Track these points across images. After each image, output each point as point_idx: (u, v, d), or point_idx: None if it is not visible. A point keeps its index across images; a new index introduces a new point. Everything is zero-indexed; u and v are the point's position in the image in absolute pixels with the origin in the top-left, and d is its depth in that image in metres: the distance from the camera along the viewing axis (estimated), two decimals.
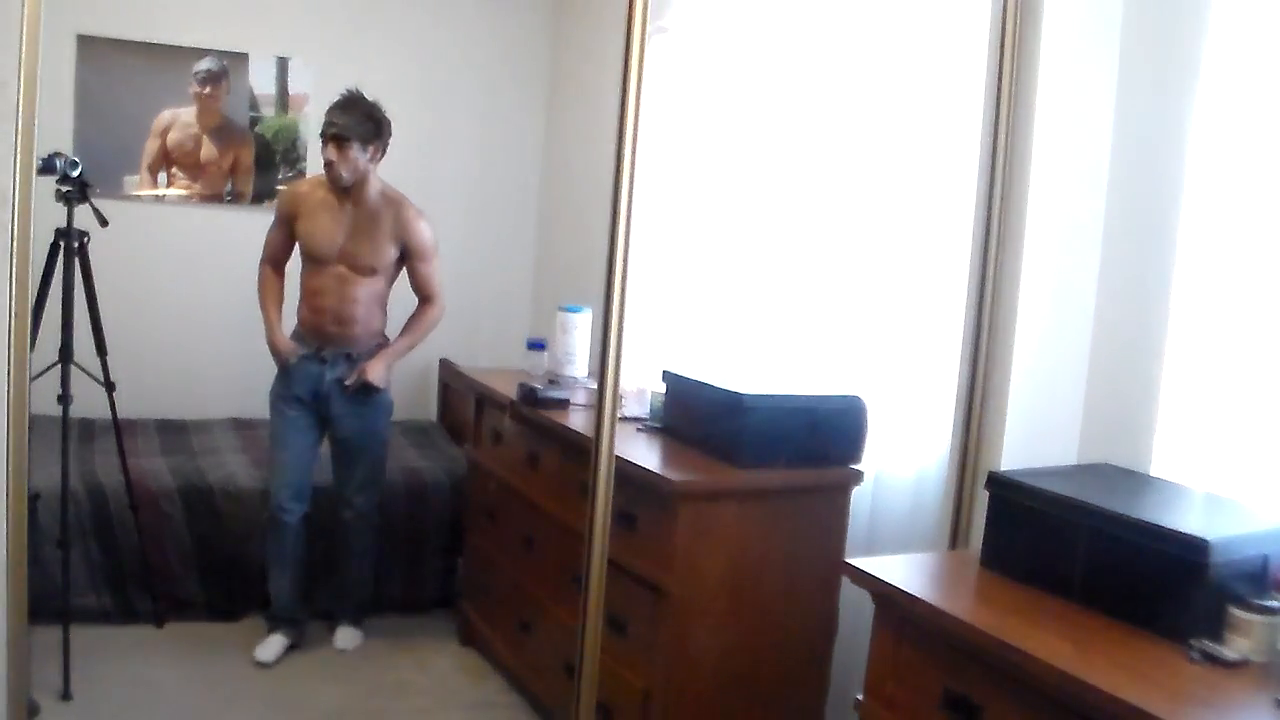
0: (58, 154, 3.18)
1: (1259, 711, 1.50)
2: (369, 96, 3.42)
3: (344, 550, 3.70)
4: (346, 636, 3.72)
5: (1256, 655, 1.65)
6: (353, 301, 3.48)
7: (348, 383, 3.51)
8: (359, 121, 3.33)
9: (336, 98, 3.42)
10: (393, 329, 3.66)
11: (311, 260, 3.51)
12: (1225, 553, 1.70)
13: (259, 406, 3.80)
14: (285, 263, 3.63)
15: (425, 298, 3.61)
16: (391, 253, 3.48)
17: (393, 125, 3.47)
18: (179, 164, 4.62)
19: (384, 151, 3.44)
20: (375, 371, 3.53)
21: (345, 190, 3.42)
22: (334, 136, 3.31)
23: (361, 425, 3.59)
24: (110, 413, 3.49)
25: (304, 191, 3.57)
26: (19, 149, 1.91)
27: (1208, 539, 1.69)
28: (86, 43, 4.38)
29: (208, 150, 4.65)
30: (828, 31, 3.14)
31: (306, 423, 3.56)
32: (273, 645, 3.53)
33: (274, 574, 3.59)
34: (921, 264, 2.80)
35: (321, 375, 3.52)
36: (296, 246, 3.58)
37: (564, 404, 3.29)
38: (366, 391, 3.54)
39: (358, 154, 3.34)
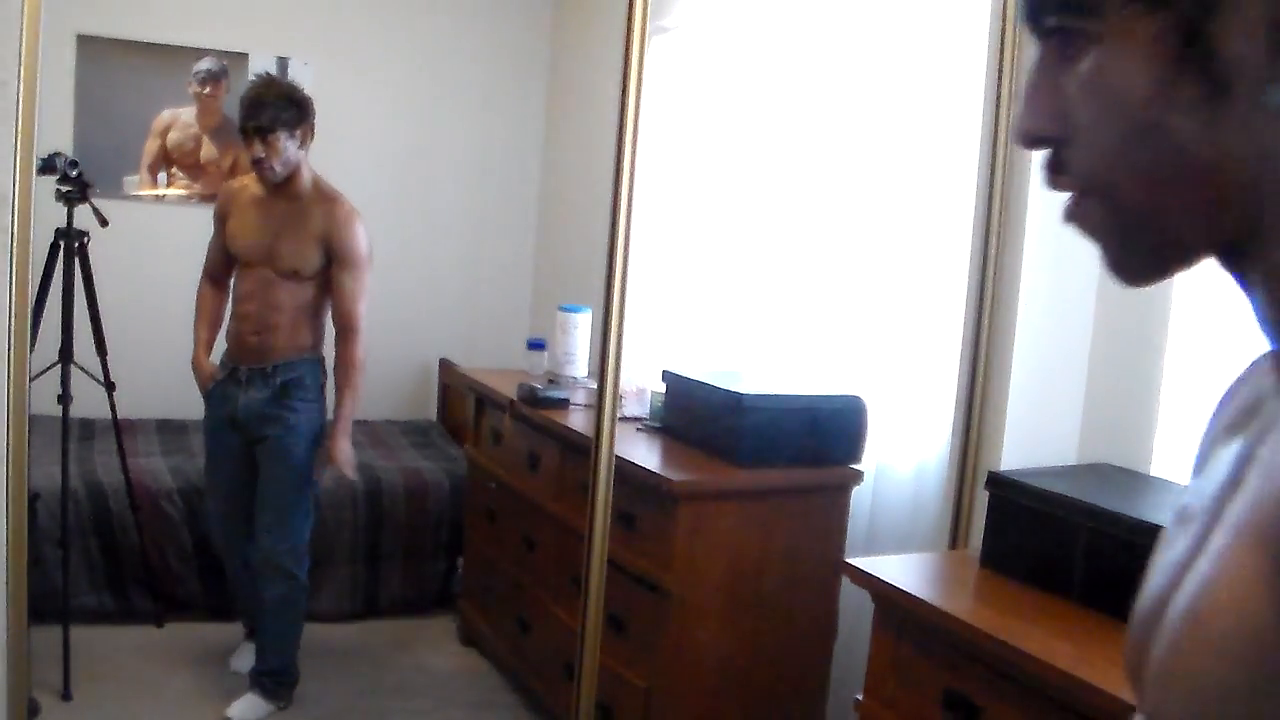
0: (58, 154, 3.18)
1: None
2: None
3: (258, 600, 3.22)
4: (243, 705, 3.16)
5: None
6: (274, 308, 3.08)
7: (322, 471, 3.17)
8: (282, 108, 2.96)
9: (247, 87, 3.11)
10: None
11: (240, 264, 3.17)
12: None
13: None
14: (225, 277, 3.28)
15: (345, 326, 3.11)
16: (318, 256, 3.07)
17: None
18: (179, 164, 4.62)
19: (312, 134, 3.07)
20: (341, 451, 3.11)
21: (277, 185, 3.07)
22: (256, 130, 2.95)
23: (275, 455, 3.11)
24: (110, 413, 3.49)
25: (236, 189, 3.25)
26: (19, 149, 1.91)
27: None
28: (86, 43, 4.38)
29: (208, 150, 4.64)
30: (828, 31, 3.14)
31: (237, 455, 3.19)
32: (244, 653, 3.39)
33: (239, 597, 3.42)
34: (921, 263, 2.80)
35: (236, 397, 3.13)
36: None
37: (564, 404, 3.29)
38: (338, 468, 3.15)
39: (286, 143, 2.98)
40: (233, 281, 3.24)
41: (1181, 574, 0.64)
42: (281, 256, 3.08)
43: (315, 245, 3.07)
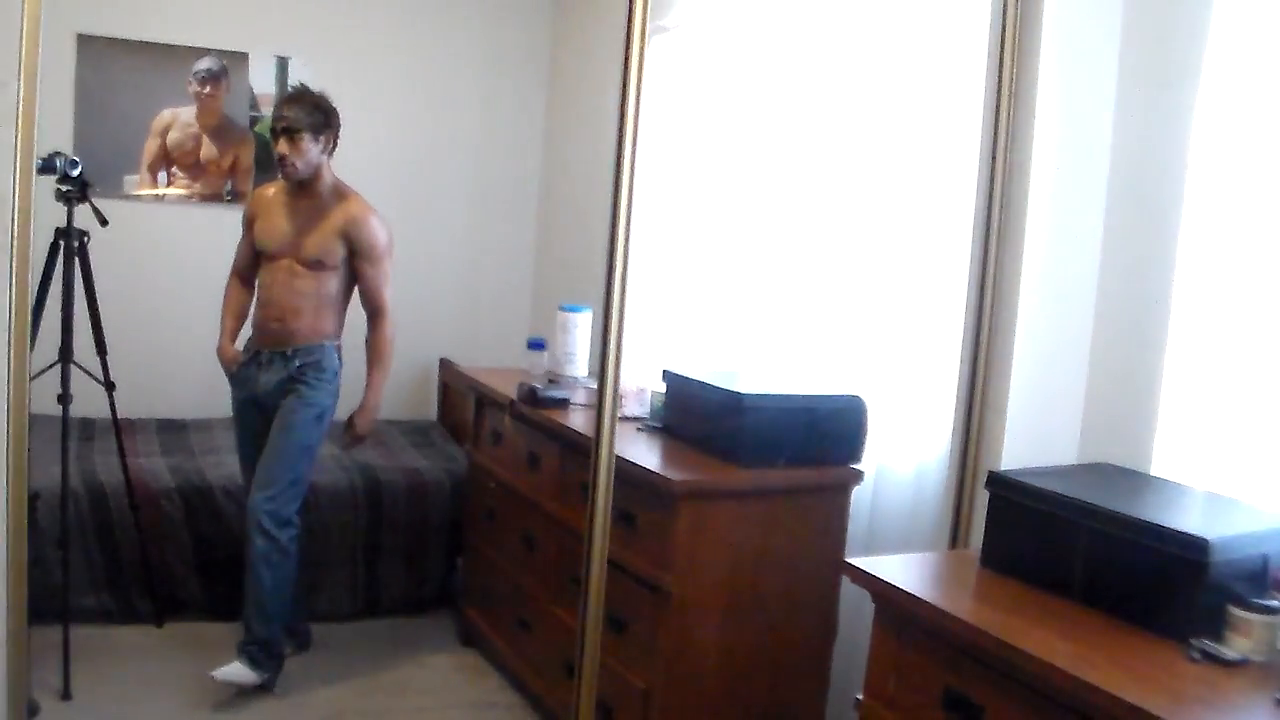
0: (58, 154, 3.18)
1: (1259, 711, 1.50)
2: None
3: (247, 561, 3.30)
4: (229, 670, 3.24)
5: (1256, 655, 1.65)
6: (297, 295, 3.32)
7: (343, 447, 3.54)
8: (308, 112, 3.24)
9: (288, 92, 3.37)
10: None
11: (265, 257, 3.40)
12: (1225, 552, 1.70)
13: None
14: (253, 275, 3.49)
15: (373, 311, 3.41)
16: (338, 248, 3.32)
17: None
18: (179, 164, 4.62)
19: (335, 143, 3.35)
20: (363, 423, 3.44)
21: (300, 185, 3.33)
22: (285, 130, 3.23)
23: (279, 420, 3.32)
24: (110, 413, 3.49)
25: (261, 194, 3.50)
26: (19, 149, 1.91)
27: (1208, 538, 1.69)
28: (86, 43, 4.38)
29: (208, 150, 4.64)
30: (828, 31, 3.14)
31: (259, 435, 3.38)
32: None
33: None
34: (921, 263, 2.80)
35: (257, 379, 3.37)
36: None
37: (564, 404, 3.29)
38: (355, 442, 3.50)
39: (310, 145, 3.25)
40: (258, 276, 3.46)
41: None
42: (305, 248, 3.33)
43: (336, 238, 3.33)
